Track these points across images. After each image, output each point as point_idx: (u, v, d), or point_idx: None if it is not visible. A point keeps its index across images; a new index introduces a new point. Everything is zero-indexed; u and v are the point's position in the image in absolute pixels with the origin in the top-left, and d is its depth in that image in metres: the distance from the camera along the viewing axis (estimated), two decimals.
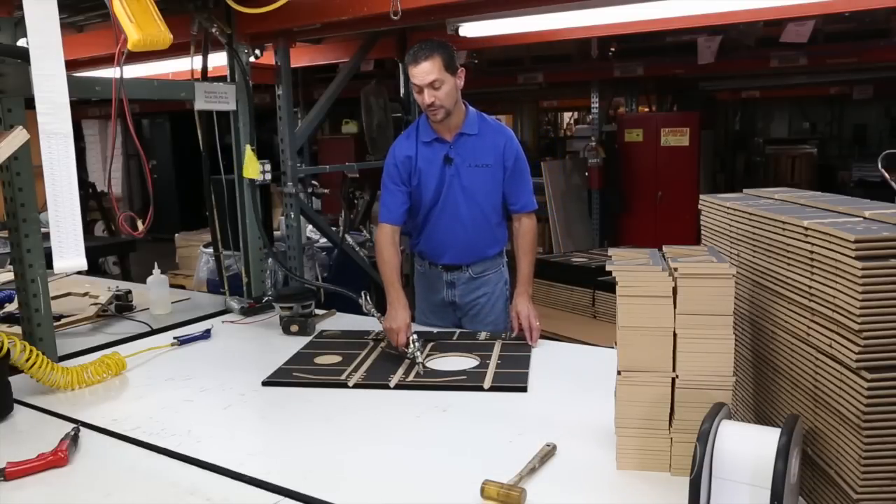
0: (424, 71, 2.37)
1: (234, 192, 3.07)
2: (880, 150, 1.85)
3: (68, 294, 3.12)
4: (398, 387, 2.03)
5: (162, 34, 2.03)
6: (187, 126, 3.19)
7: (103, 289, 3.11)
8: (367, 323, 2.62)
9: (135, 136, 2.34)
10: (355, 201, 4.72)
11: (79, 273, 2.83)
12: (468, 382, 2.03)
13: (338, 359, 2.26)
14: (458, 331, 2.54)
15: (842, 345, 1.17)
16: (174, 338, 2.50)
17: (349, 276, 4.09)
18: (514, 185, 2.60)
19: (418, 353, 2.19)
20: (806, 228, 1.26)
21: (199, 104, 2.75)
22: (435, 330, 2.59)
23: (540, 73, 6.98)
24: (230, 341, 2.57)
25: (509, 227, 2.73)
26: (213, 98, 2.78)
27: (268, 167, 3.03)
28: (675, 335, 1.40)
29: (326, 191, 4.72)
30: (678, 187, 7.02)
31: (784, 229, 1.35)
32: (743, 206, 1.56)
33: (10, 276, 2.68)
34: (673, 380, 1.41)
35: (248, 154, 2.92)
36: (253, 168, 2.94)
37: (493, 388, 1.98)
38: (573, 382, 2.03)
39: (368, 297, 2.45)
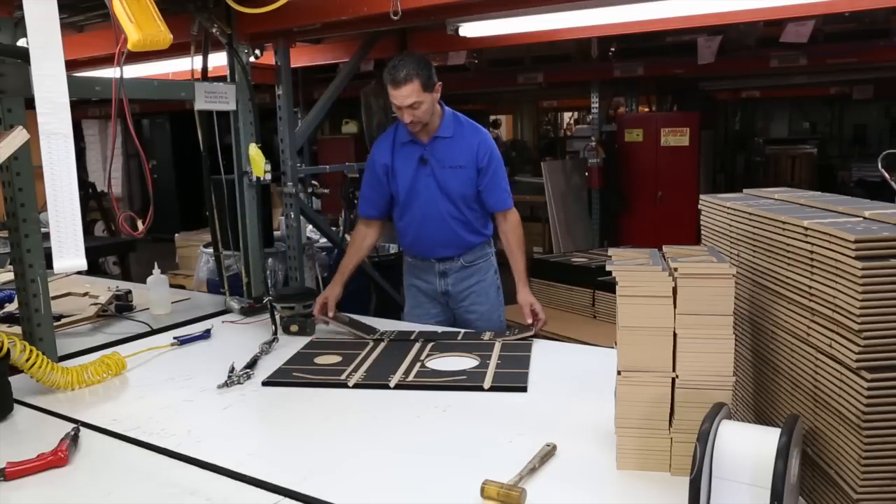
0: (404, 95, 2.45)
1: (235, 192, 3.07)
2: (880, 150, 1.84)
3: (68, 294, 3.11)
4: (398, 387, 2.03)
5: (162, 34, 2.03)
6: (187, 126, 3.19)
7: (103, 289, 3.11)
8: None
9: (135, 136, 2.33)
10: (355, 201, 4.72)
11: (79, 273, 2.83)
12: (468, 382, 2.03)
13: (338, 359, 2.26)
14: (461, 331, 2.54)
15: (842, 345, 1.17)
16: (174, 338, 2.50)
17: (349, 275, 4.08)
18: (487, 184, 2.66)
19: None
20: (806, 228, 1.26)
21: (199, 104, 2.75)
22: (440, 329, 2.60)
23: (540, 73, 6.98)
24: (230, 341, 2.57)
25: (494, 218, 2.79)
26: (213, 98, 2.78)
27: (268, 167, 3.03)
28: (675, 335, 1.40)
29: (326, 191, 4.73)
30: (678, 187, 7.01)
31: (784, 229, 1.35)
32: (743, 206, 1.56)
33: (10, 276, 2.68)
34: (673, 380, 1.41)
35: (254, 151, 2.90)
36: (259, 166, 2.93)
37: (493, 388, 1.98)
38: (573, 382, 2.03)
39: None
